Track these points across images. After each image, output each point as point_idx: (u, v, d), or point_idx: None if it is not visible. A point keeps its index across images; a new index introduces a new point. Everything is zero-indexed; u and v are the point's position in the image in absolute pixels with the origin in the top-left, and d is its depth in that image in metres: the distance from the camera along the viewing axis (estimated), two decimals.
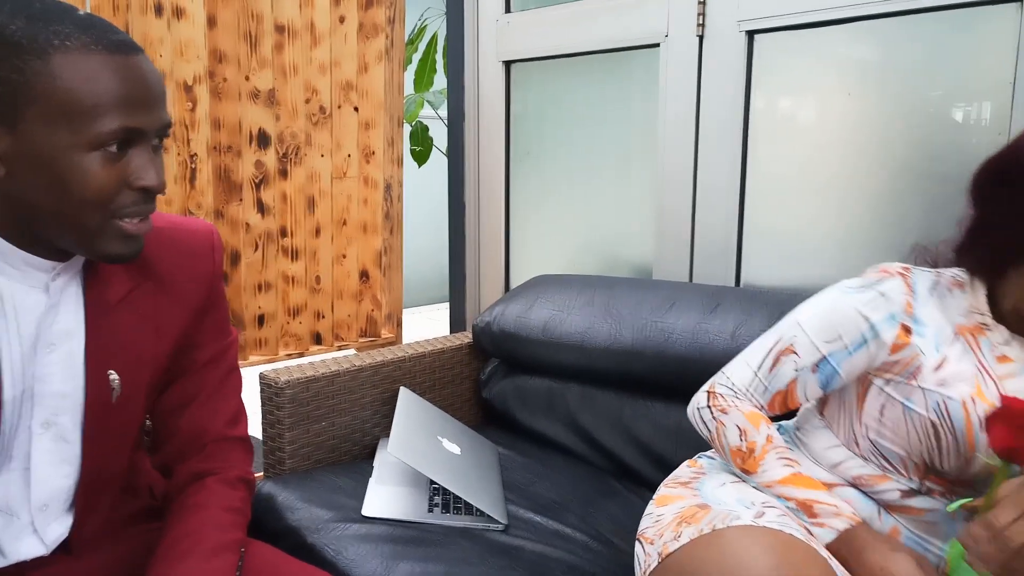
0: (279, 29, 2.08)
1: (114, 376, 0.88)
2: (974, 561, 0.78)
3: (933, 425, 0.90)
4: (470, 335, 1.72)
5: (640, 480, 1.46)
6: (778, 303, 1.32)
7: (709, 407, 1.04)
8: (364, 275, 2.34)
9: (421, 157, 3.26)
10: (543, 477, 1.46)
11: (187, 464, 0.95)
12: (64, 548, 0.92)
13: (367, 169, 2.31)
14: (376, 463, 1.42)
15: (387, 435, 1.54)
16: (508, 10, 2.07)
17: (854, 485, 0.98)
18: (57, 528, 0.90)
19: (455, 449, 1.39)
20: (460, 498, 1.29)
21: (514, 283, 2.17)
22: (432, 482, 1.35)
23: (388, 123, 2.34)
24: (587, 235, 2.02)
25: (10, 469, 0.85)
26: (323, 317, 2.27)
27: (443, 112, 3.58)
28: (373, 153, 2.31)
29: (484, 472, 1.40)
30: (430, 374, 1.63)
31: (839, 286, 1.01)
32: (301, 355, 2.22)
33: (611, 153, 1.92)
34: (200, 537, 0.87)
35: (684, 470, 1.11)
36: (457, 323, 2.27)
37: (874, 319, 0.94)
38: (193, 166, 1.96)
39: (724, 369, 1.07)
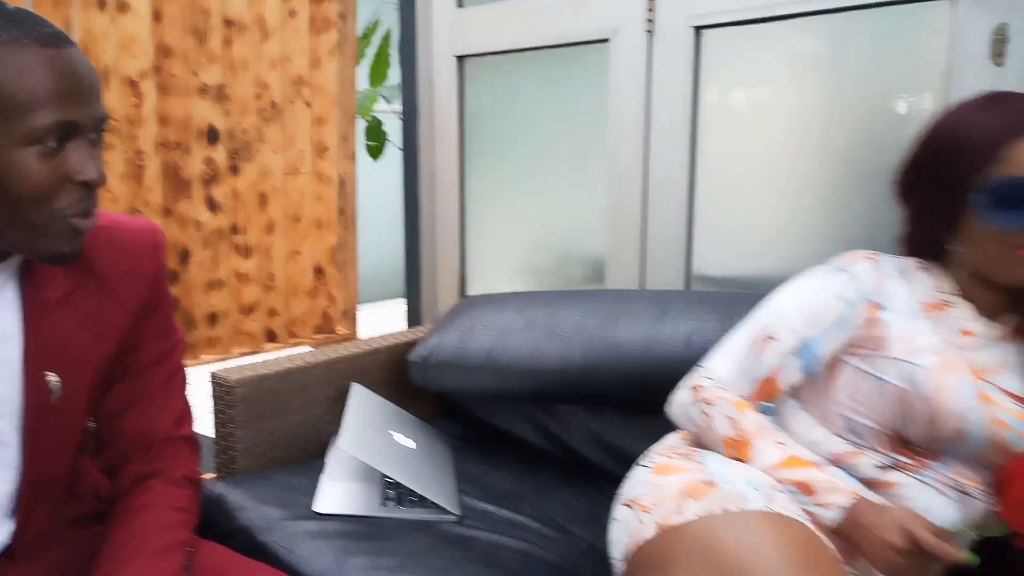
0: (228, 23, 2.05)
1: (53, 378, 0.86)
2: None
3: (903, 393, 0.94)
4: (426, 329, 1.72)
5: (595, 470, 1.48)
6: (727, 304, 1.33)
7: (696, 402, 1.04)
8: (319, 271, 2.32)
9: (376, 152, 3.24)
10: (497, 468, 1.47)
11: (132, 465, 0.94)
12: (7, 554, 0.90)
13: (320, 165, 2.29)
14: (329, 460, 1.41)
15: (340, 432, 1.53)
16: (461, 5, 2.07)
17: (834, 464, 0.99)
18: (1, 532, 0.88)
19: (409, 443, 1.40)
20: (414, 491, 1.29)
21: (470, 277, 2.17)
22: (385, 476, 1.35)
23: (341, 118, 2.32)
24: (542, 229, 2.03)
25: None
26: (277, 314, 2.25)
27: (398, 106, 3.56)
28: (326, 149, 2.29)
29: (438, 465, 1.41)
30: (385, 370, 1.62)
31: (812, 272, 1.04)
32: (255, 353, 2.19)
33: (565, 148, 1.94)
34: (145, 539, 0.86)
35: (676, 440, 1.10)
36: (414, 318, 2.27)
37: (848, 298, 0.99)
38: (140, 163, 1.93)
39: (704, 364, 1.07)
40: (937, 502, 0.94)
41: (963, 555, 0.82)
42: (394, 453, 1.32)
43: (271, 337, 2.25)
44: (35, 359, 0.85)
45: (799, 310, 1.01)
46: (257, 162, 2.15)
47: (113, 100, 1.85)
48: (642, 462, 1.09)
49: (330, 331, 2.35)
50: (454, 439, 1.60)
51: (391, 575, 1.07)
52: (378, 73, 3.19)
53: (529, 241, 2.06)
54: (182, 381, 1.01)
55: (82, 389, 0.89)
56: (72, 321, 0.88)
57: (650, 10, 1.66)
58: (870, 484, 0.97)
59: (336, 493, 1.28)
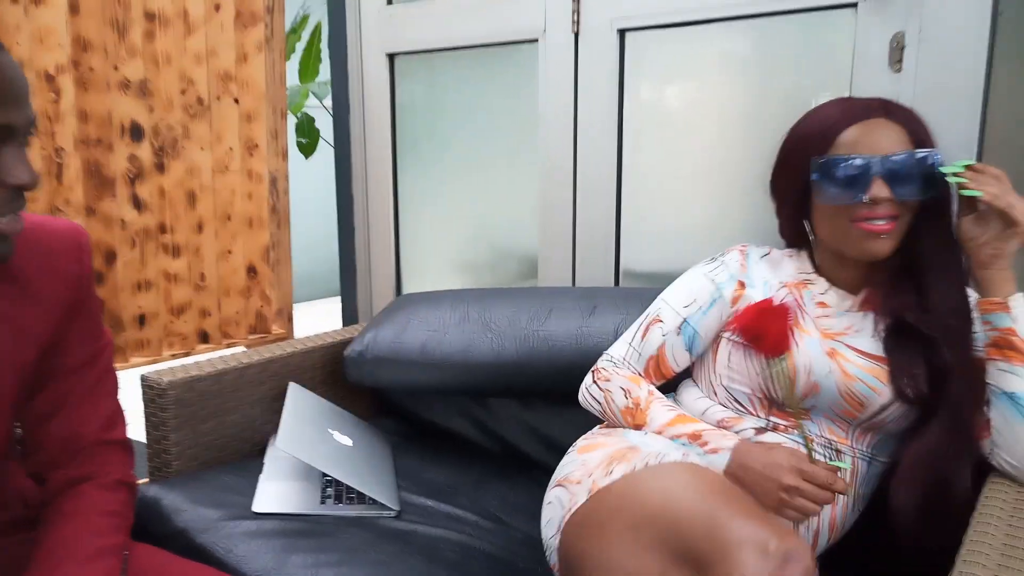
0: (149, 16, 2.00)
1: None
2: None
3: (765, 358, 1.06)
4: (361, 328, 1.73)
5: (530, 462, 1.52)
6: (652, 299, 1.40)
7: (595, 382, 1.17)
8: (251, 270, 2.29)
9: (308, 149, 3.20)
10: (434, 463, 1.50)
11: (61, 471, 0.93)
12: None
13: (251, 162, 2.26)
14: (267, 460, 1.41)
15: (277, 432, 1.53)
16: (390, 1, 2.08)
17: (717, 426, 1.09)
18: None
19: (346, 441, 1.41)
20: (353, 488, 1.30)
21: (405, 275, 2.19)
22: (324, 474, 1.36)
23: (271, 115, 2.29)
24: (475, 226, 2.06)
25: None
26: (209, 315, 2.21)
27: (328, 103, 3.53)
28: (256, 146, 2.26)
29: (376, 462, 1.42)
30: (321, 368, 1.63)
31: (695, 265, 1.19)
32: (188, 355, 2.15)
33: (497, 146, 1.97)
34: (77, 544, 0.86)
35: (599, 430, 1.18)
36: (349, 317, 2.27)
37: (718, 281, 1.14)
38: (59, 160, 1.87)
39: (605, 351, 1.19)
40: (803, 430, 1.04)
41: (841, 483, 0.96)
42: (332, 451, 1.34)
43: (204, 338, 2.21)
44: None
45: (679, 294, 1.16)
46: (184, 159, 2.11)
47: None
48: (570, 449, 1.15)
49: (265, 331, 2.32)
50: (391, 436, 1.61)
51: (332, 570, 1.09)
52: (308, 69, 3.15)
53: (463, 238, 2.09)
54: (112, 384, 1.00)
55: (4, 394, 0.88)
56: None
57: (576, 12, 1.71)
58: None
59: (274, 492, 1.29)
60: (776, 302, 1.07)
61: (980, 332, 0.99)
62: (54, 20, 1.81)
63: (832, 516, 1.03)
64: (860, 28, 1.38)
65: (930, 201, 0.99)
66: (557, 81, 1.76)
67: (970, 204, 0.98)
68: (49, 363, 0.93)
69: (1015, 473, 0.94)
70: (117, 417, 0.99)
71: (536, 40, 1.78)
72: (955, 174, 0.96)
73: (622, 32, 1.66)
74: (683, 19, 1.58)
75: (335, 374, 1.65)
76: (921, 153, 0.97)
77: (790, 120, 1.09)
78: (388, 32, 2.07)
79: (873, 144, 0.98)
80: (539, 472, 1.45)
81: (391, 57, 2.10)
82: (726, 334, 1.12)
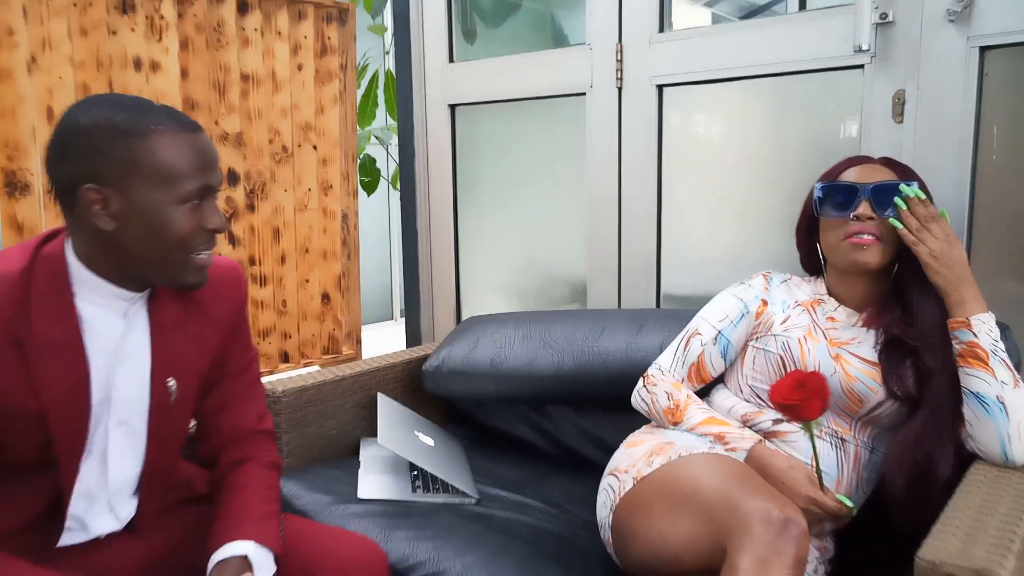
0: (244, 78, 2.31)
1: (172, 383, 1.10)
2: None
3: (782, 358, 1.29)
4: (432, 347, 1.98)
5: (586, 462, 1.75)
6: (689, 318, 1.63)
7: (644, 387, 1.41)
8: (325, 297, 2.56)
9: (370, 187, 3.50)
10: (502, 462, 1.73)
11: (228, 453, 1.18)
12: (130, 528, 1.13)
13: (325, 201, 2.55)
14: (362, 457, 1.65)
15: (367, 435, 1.78)
16: (452, 60, 2.36)
17: (743, 423, 1.32)
18: (126, 508, 1.12)
19: (429, 441, 1.65)
20: (438, 480, 1.54)
21: (464, 300, 2.44)
22: (412, 468, 1.60)
23: (343, 159, 2.58)
24: (528, 256, 2.31)
25: (92, 460, 1.07)
26: (290, 337, 2.48)
27: (390, 145, 3.83)
28: (331, 186, 2.55)
29: (454, 459, 1.66)
30: (400, 381, 1.88)
31: (726, 288, 1.44)
32: (272, 373, 2.42)
33: (547, 185, 2.22)
34: (249, 508, 1.11)
35: (644, 429, 1.41)
36: (413, 339, 2.52)
37: (746, 299, 1.39)
38: None
39: (655, 361, 1.44)
40: (819, 446, 1.25)
41: (846, 511, 1.17)
42: (420, 449, 1.58)
43: (284, 358, 2.48)
44: (159, 369, 1.09)
45: (714, 311, 1.41)
46: (271, 200, 2.40)
47: None
48: (620, 446, 1.38)
49: (336, 351, 2.58)
50: (462, 440, 1.85)
51: (429, 543, 1.32)
52: (366, 113, 3.45)
53: (517, 267, 2.34)
54: (260, 387, 1.26)
55: (190, 393, 1.14)
56: (182, 339, 1.12)
57: (619, 70, 1.96)
58: (769, 435, 1.29)
59: (373, 483, 1.53)
60: (797, 324, 1.31)
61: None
62: (168, 85, 2.12)
63: (841, 490, 1.24)
64: (867, 85, 1.61)
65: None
66: (603, 128, 2.01)
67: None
68: (217, 370, 1.19)
69: (986, 457, 1.15)
70: (265, 412, 1.25)
71: (584, 94, 2.04)
72: (905, 199, 1.20)
73: (660, 87, 1.91)
74: (713, 77, 1.83)
75: (412, 387, 1.90)
76: (902, 183, 1.22)
77: (807, 163, 1.34)
78: (449, 85, 2.35)
79: (865, 177, 1.26)
80: (594, 470, 1.67)
81: (452, 107, 2.37)
82: (752, 342, 1.36)
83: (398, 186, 4.00)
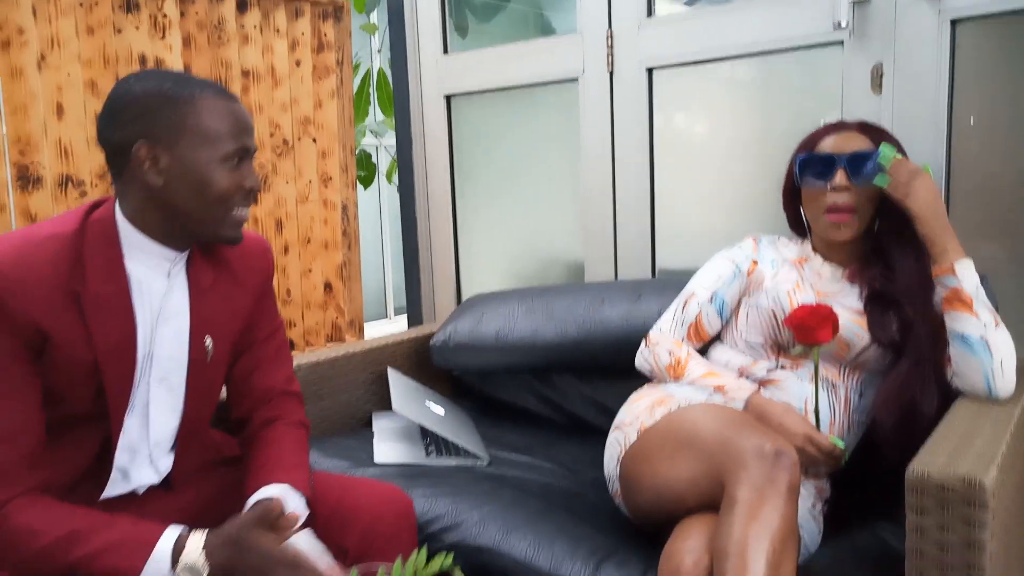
0: (245, 74, 2.37)
1: (209, 342, 1.17)
2: None
3: (772, 313, 1.37)
4: (436, 325, 2.05)
5: (590, 427, 1.82)
6: (685, 285, 1.72)
7: (647, 347, 1.49)
8: (328, 287, 2.62)
9: (366, 181, 3.56)
10: (510, 429, 1.80)
11: (259, 414, 1.25)
12: (166, 484, 1.19)
13: (326, 193, 2.61)
14: (375, 428, 1.72)
15: (378, 408, 1.84)
16: (446, 52, 2.43)
17: (740, 374, 1.40)
18: (165, 462, 1.18)
19: (439, 410, 1.72)
20: (450, 444, 1.61)
21: (464, 283, 2.51)
22: (424, 436, 1.66)
23: (341, 152, 2.65)
24: (525, 240, 2.38)
25: (134, 414, 1.13)
26: (295, 325, 2.54)
27: (384, 140, 3.90)
28: (330, 178, 2.61)
29: (464, 426, 1.73)
30: (408, 358, 1.94)
31: (718, 252, 1.52)
32: None
33: (542, 169, 2.30)
34: (280, 459, 1.17)
35: (645, 386, 1.48)
36: (415, 321, 2.59)
37: (737, 260, 1.47)
38: None
39: (656, 324, 1.52)
40: (810, 389, 1.33)
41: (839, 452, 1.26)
42: (431, 417, 1.65)
43: (290, 346, 2.53)
44: (197, 328, 1.16)
45: (708, 274, 1.49)
46: (273, 192, 2.46)
47: None
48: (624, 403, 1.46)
49: (340, 339, 2.64)
50: (469, 412, 1.92)
51: (448, 498, 1.39)
52: (360, 110, 3.52)
53: (514, 251, 2.41)
54: (288, 352, 1.32)
55: (224, 353, 1.21)
56: (217, 301, 1.19)
57: (610, 55, 2.04)
58: (764, 382, 1.38)
59: (388, 449, 1.60)
60: (786, 279, 1.40)
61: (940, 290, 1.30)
62: None
63: (834, 432, 1.33)
64: (847, 60, 1.70)
65: (888, 198, 1.30)
66: (596, 112, 2.09)
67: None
68: (247, 335, 1.26)
69: (971, 394, 1.24)
70: (292, 376, 1.31)
71: (576, 79, 2.12)
72: (881, 165, 1.27)
73: (650, 70, 1.99)
74: (700, 58, 1.91)
75: (419, 363, 1.96)
76: (881, 146, 1.30)
77: (792, 137, 1.41)
78: (445, 77, 2.42)
79: (842, 146, 1.35)
80: (598, 434, 1.74)
81: (448, 98, 2.44)
82: (745, 299, 1.45)
83: (392, 180, 4.08)
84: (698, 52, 1.91)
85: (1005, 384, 1.21)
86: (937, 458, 0.98)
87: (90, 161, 2.02)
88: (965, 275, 1.25)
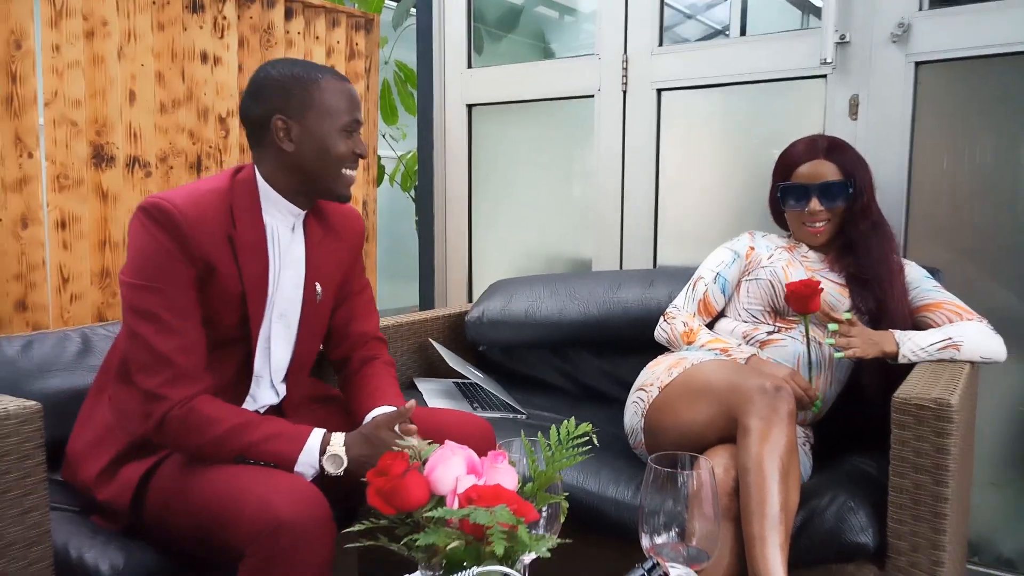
0: None
1: (319, 287, 1.40)
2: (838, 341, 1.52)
3: (771, 283, 1.68)
4: (462, 307, 2.30)
5: (605, 396, 2.09)
6: (689, 276, 2.01)
7: (665, 320, 1.78)
8: None
9: (376, 182, 3.79)
10: (536, 395, 2.06)
11: (358, 353, 1.48)
12: (279, 411, 1.41)
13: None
14: (421, 390, 1.95)
15: (419, 375, 2.08)
16: (470, 66, 2.71)
17: (743, 338, 1.70)
18: (281, 389, 1.40)
19: (479, 374, 1.96)
20: (491, 400, 1.86)
21: (476, 277, 2.76)
22: (464, 395, 1.91)
23: None
24: (534, 237, 2.65)
25: (260, 345, 1.35)
26: None
27: (399, 146, 4.14)
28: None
29: (498, 388, 1.98)
30: (442, 332, 2.18)
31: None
32: None
33: (553, 174, 2.59)
34: (385, 388, 1.41)
35: (660, 356, 1.75)
36: (426, 303, 2.82)
37: (735, 248, 1.80)
38: None
39: (672, 303, 1.81)
40: (803, 348, 1.64)
41: (815, 393, 1.54)
42: (477, 376, 1.89)
43: None
44: (310, 275, 1.39)
45: (712, 260, 1.80)
46: None
47: (209, 132, 2.35)
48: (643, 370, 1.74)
49: None
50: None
51: (499, 438, 1.63)
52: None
53: (524, 247, 2.68)
54: (375, 305, 1.56)
55: (329, 297, 1.44)
56: (325, 254, 1.43)
57: (624, 75, 2.35)
58: (764, 344, 1.67)
59: (441, 404, 1.83)
60: (780, 258, 1.71)
61: (920, 289, 1.64)
62: (228, 77, 2.39)
63: (818, 387, 1.63)
64: (828, 90, 2.04)
65: (853, 207, 1.65)
66: (610, 125, 2.39)
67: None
68: (345, 286, 1.49)
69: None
70: (378, 325, 1.55)
71: (593, 96, 2.42)
72: (832, 334, 1.55)
73: (659, 91, 2.30)
74: (704, 83, 2.23)
75: (451, 339, 2.21)
76: (840, 182, 1.65)
77: (775, 154, 1.74)
78: (468, 88, 2.69)
79: (814, 175, 1.68)
80: (615, 401, 2.01)
81: (469, 107, 2.71)
82: (745, 278, 1.75)
83: (395, 182, 4.31)
84: (703, 77, 2.23)
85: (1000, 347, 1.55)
86: (915, 388, 1.28)
87: (155, 145, 2.22)
88: (909, 353, 1.52)
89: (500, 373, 2.24)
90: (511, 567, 0.79)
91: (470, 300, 2.78)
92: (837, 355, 1.53)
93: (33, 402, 1.14)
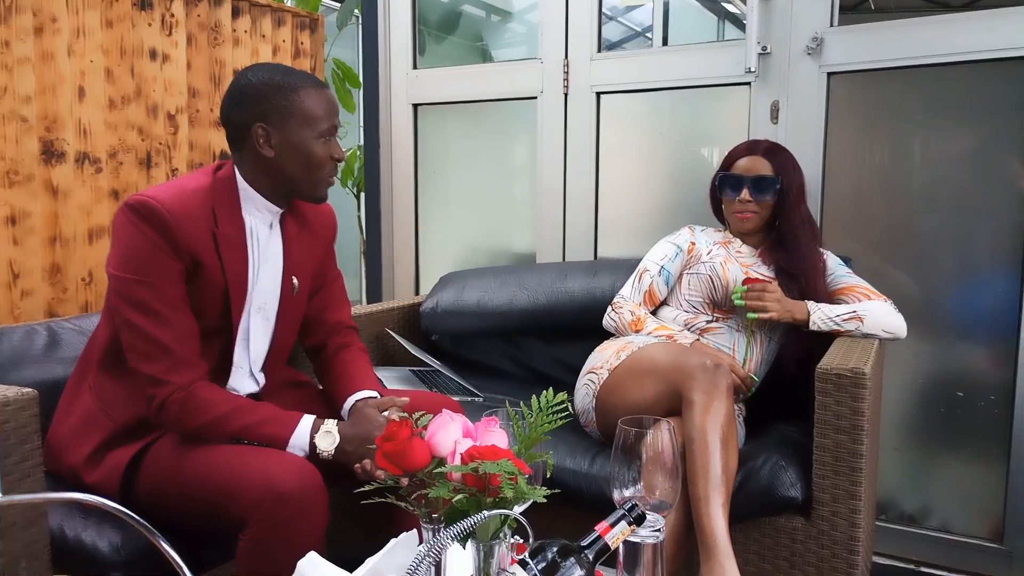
0: (235, 72, 2.62)
1: (295, 280, 1.48)
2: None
3: (710, 278, 1.85)
4: (413, 299, 2.39)
5: (554, 380, 2.22)
6: (633, 266, 2.17)
7: (613, 310, 1.92)
8: None
9: None
10: (490, 380, 2.18)
11: (333, 341, 1.57)
12: (257, 396, 1.49)
13: None
14: (381, 378, 2.04)
15: (377, 364, 2.16)
16: (415, 67, 2.80)
17: (686, 326, 1.87)
18: (261, 377, 1.48)
19: (435, 362, 2.07)
20: (448, 384, 1.97)
21: (422, 271, 2.86)
22: (423, 381, 2.01)
23: None
24: (479, 232, 2.77)
25: (239, 339, 1.42)
26: None
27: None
28: None
29: (456, 373, 2.09)
30: (397, 323, 2.28)
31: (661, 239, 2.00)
32: None
33: (497, 172, 2.71)
34: (364, 373, 1.50)
35: (606, 341, 1.90)
36: (373, 296, 2.90)
37: (677, 242, 1.96)
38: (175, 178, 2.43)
39: (618, 293, 1.95)
40: (737, 336, 1.83)
41: (750, 381, 1.73)
42: (436, 361, 2.00)
43: None
44: (288, 269, 1.47)
45: (656, 254, 1.96)
46: None
47: (159, 128, 2.37)
48: (591, 354, 1.89)
49: None
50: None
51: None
52: None
53: (469, 242, 2.80)
54: (346, 295, 1.65)
55: (305, 289, 1.52)
56: (301, 249, 1.51)
57: (565, 78, 2.49)
58: (704, 331, 1.85)
59: (396, 388, 1.93)
60: (717, 254, 1.88)
61: (835, 275, 1.84)
62: (177, 74, 2.41)
63: (750, 366, 1.81)
64: (753, 96, 2.24)
65: (782, 203, 1.84)
66: (552, 125, 2.53)
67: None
68: (319, 278, 1.58)
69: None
70: (351, 313, 1.64)
71: (535, 98, 2.56)
72: (741, 296, 1.75)
73: (599, 94, 2.46)
74: (639, 87, 2.40)
75: (405, 329, 2.30)
76: (771, 178, 1.83)
77: (710, 152, 1.91)
78: (413, 88, 2.79)
79: (749, 169, 1.86)
80: (562, 384, 2.12)
81: (415, 106, 2.81)
82: (686, 271, 1.91)
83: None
84: (638, 82, 2.40)
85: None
86: (834, 360, 1.47)
87: (105, 141, 2.22)
88: (819, 321, 1.73)
89: (453, 361, 2.35)
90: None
91: (417, 293, 2.88)
92: (750, 316, 1.72)
93: (29, 389, 1.19)
